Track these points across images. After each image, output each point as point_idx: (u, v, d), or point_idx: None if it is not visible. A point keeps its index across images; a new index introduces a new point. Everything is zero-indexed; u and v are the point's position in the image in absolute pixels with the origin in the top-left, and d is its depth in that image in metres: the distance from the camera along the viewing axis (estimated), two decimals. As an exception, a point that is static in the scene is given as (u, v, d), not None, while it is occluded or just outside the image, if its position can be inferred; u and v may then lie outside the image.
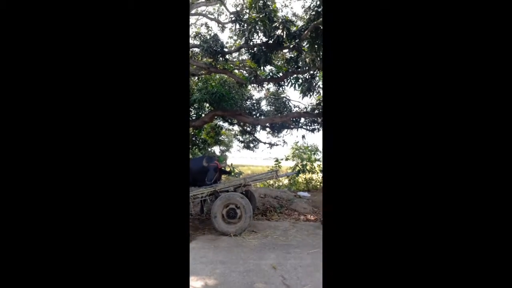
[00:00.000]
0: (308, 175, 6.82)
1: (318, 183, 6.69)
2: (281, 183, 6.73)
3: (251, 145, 9.05)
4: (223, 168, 4.15)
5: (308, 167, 6.92)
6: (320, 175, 6.95)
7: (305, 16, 6.31)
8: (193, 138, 7.25)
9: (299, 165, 6.94)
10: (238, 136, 9.24)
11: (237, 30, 5.52)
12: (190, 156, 6.68)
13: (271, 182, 6.54)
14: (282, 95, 7.50)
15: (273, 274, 2.46)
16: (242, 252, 2.94)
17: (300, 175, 6.80)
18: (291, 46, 5.87)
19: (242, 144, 9.24)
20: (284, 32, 5.34)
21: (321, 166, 7.19)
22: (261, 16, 4.85)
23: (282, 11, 6.30)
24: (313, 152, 7.76)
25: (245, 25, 5.24)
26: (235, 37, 6.98)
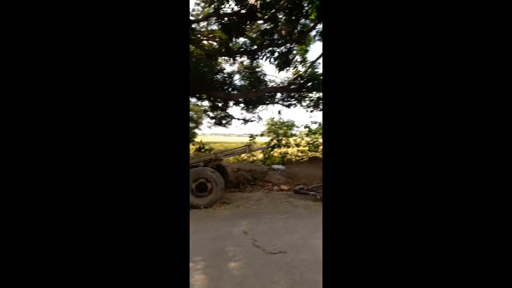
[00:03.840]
0: (283, 149, 6.86)
1: (293, 157, 6.78)
2: (255, 158, 6.71)
3: (224, 121, 8.59)
4: None
5: (284, 142, 6.94)
6: (296, 148, 7.03)
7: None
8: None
9: (275, 140, 6.95)
10: (209, 112, 8.66)
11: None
12: None
13: (245, 157, 6.50)
14: (257, 69, 7.21)
15: (244, 238, 2.47)
16: (213, 222, 2.91)
17: (275, 149, 6.81)
18: (266, 17, 5.59)
19: (213, 121, 8.71)
20: (259, 2, 5.04)
21: (297, 140, 7.27)
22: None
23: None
24: (289, 128, 7.80)
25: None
26: (202, 4, 6.45)
